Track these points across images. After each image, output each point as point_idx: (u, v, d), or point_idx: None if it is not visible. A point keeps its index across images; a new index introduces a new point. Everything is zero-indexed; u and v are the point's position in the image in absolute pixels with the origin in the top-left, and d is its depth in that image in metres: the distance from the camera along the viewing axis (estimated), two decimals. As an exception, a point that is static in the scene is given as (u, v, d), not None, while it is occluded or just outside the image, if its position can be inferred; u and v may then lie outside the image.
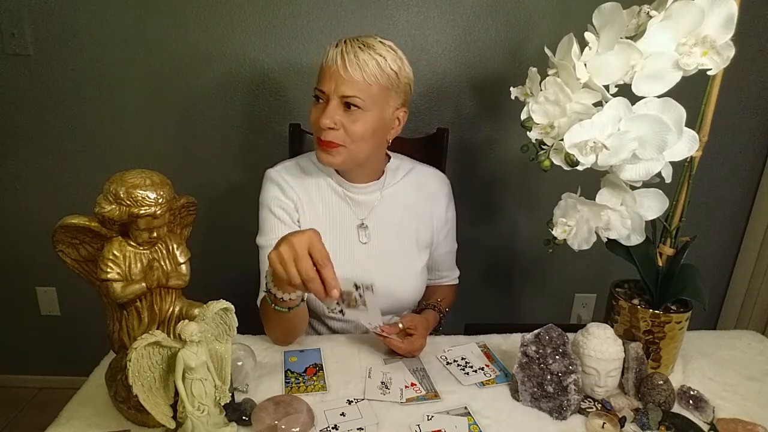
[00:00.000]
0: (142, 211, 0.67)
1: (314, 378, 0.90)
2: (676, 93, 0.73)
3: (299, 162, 1.13)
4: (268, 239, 1.07)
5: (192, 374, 0.69)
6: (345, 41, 0.97)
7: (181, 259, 0.76)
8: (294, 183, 1.09)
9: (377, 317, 0.81)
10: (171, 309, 0.76)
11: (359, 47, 0.95)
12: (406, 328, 0.97)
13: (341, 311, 0.82)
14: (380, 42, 0.98)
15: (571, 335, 0.85)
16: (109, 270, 0.70)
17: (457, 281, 1.31)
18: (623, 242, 0.88)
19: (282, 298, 0.86)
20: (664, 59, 0.74)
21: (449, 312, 1.21)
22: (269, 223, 1.08)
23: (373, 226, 1.10)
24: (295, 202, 1.09)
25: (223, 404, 0.74)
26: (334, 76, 0.95)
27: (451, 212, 1.22)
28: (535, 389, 0.84)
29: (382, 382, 0.88)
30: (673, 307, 0.90)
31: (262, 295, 1.05)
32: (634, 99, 0.75)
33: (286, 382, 0.89)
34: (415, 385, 0.89)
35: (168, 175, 0.72)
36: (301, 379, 0.90)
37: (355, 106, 0.96)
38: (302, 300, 0.91)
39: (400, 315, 1.10)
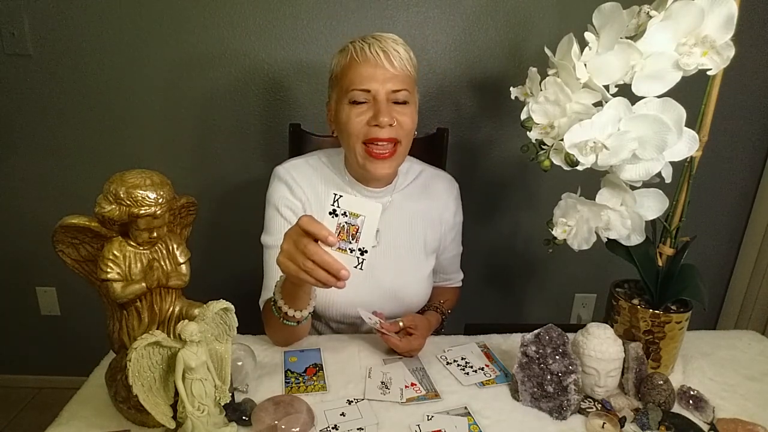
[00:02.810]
0: (142, 211, 0.67)
1: (314, 378, 0.90)
2: (676, 93, 0.73)
3: (309, 161, 1.10)
4: (273, 239, 1.06)
5: (192, 374, 0.69)
6: (373, 37, 0.96)
7: (181, 259, 0.75)
8: (303, 182, 1.06)
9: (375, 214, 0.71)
10: (171, 309, 0.76)
11: (392, 41, 0.95)
12: (406, 326, 0.97)
13: (359, 251, 0.72)
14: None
15: (571, 335, 0.85)
16: (109, 270, 0.70)
17: (460, 284, 1.31)
18: (623, 242, 0.88)
19: (293, 315, 0.87)
20: (664, 59, 0.74)
21: (451, 314, 1.21)
22: (275, 222, 1.06)
23: (382, 230, 1.08)
24: (303, 203, 1.06)
25: (223, 404, 0.75)
26: (380, 72, 0.93)
27: (459, 216, 1.20)
28: (535, 389, 0.84)
29: (382, 382, 0.88)
30: (673, 307, 0.90)
31: (265, 295, 1.05)
32: (634, 99, 0.75)
33: (286, 382, 0.89)
34: (415, 385, 0.89)
35: (167, 176, 0.72)
36: (301, 379, 0.90)
37: (403, 100, 0.96)
38: (309, 313, 0.90)
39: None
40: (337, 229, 0.72)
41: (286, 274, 0.77)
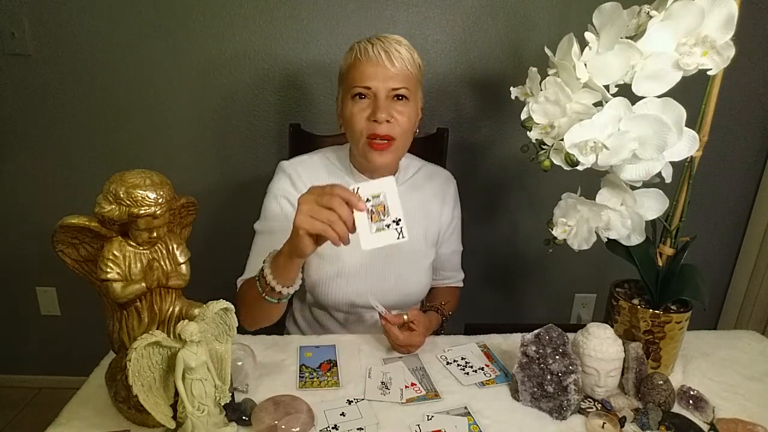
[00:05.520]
0: (142, 211, 0.67)
1: (328, 374, 0.91)
2: (676, 93, 0.73)
3: (314, 157, 1.15)
4: (265, 225, 1.10)
5: (192, 374, 0.69)
6: (377, 38, 1.00)
7: (181, 259, 0.75)
8: (306, 177, 1.11)
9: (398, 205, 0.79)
10: (171, 309, 0.76)
11: (395, 42, 1.00)
12: (410, 321, 0.98)
13: (395, 222, 0.79)
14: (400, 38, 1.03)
15: (571, 335, 0.85)
16: (109, 270, 0.70)
17: (461, 284, 1.32)
18: (623, 242, 0.88)
19: (280, 291, 0.88)
20: (664, 59, 0.74)
21: (452, 315, 1.21)
22: (271, 210, 1.10)
23: None
24: None
25: (223, 404, 0.74)
26: (381, 71, 0.98)
27: (458, 211, 1.24)
28: (535, 389, 0.84)
29: (382, 382, 0.88)
30: (673, 307, 0.90)
31: (245, 275, 1.08)
32: (634, 99, 0.75)
33: (300, 377, 0.89)
34: (415, 385, 0.89)
35: (167, 176, 0.72)
36: (315, 374, 0.91)
37: (403, 97, 1.01)
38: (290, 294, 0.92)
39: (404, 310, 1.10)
40: (368, 213, 0.79)
41: (306, 229, 0.79)
